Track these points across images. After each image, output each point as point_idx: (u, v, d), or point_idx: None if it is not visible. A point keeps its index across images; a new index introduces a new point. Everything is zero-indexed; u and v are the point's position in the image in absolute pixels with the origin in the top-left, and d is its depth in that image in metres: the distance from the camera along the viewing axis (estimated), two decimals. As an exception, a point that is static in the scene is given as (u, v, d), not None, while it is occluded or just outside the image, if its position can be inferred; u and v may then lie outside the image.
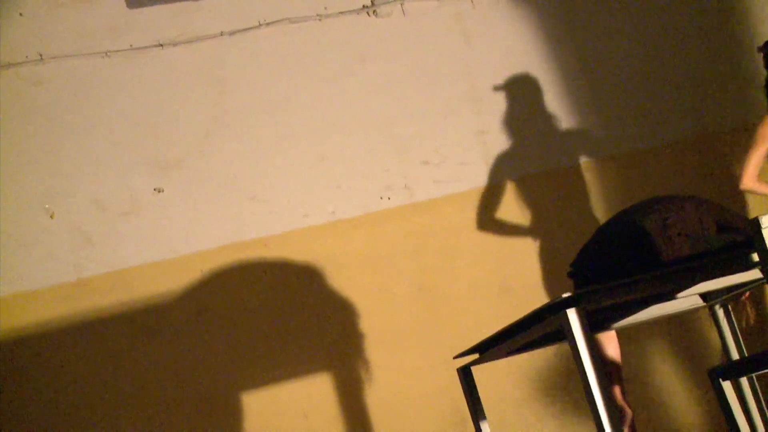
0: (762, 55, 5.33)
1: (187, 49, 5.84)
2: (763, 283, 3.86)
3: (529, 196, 6.18)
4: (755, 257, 3.27)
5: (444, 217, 6.06)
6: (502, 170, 6.18)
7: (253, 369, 5.61)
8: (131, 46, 5.80)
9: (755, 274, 3.56)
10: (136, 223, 5.64)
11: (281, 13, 6.03)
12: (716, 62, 6.55)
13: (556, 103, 6.31)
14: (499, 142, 6.20)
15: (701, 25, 6.58)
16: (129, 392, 5.43)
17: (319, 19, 6.05)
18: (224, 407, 5.56)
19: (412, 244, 5.97)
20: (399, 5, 6.14)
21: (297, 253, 5.83)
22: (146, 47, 5.80)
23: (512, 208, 6.15)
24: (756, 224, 3.15)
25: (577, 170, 6.25)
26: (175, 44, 5.85)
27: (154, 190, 5.71)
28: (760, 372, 3.77)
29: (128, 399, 5.41)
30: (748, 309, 4.79)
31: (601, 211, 6.14)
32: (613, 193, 6.20)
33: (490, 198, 6.11)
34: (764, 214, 3.24)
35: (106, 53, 5.74)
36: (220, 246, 5.73)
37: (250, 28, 5.97)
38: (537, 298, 5.88)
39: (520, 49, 6.30)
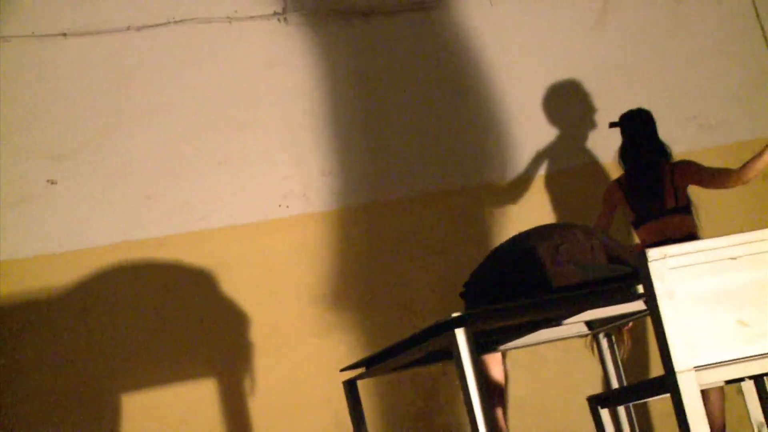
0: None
1: (91, 40, 5.77)
2: (645, 315, 3.96)
3: (423, 215, 6.24)
4: (640, 289, 3.34)
5: (341, 229, 6.07)
6: (395, 187, 6.23)
7: (136, 371, 5.54)
8: (33, 33, 5.70)
9: (639, 305, 3.64)
10: (26, 214, 5.54)
11: (191, 13, 5.99)
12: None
13: (446, 120, 6.39)
14: (397, 157, 6.24)
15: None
16: (6, 387, 5.32)
17: (229, 22, 6.02)
18: (104, 409, 5.48)
19: (308, 253, 5.97)
20: (310, 14, 6.13)
21: (191, 255, 5.79)
22: (49, 35, 5.70)
23: (410, 225, 6.20)
24: (643, 256, 3.23)
25: (473, 191, 6.34)
26: (79, 35, 5.76)
27: (47, 181, 5.61)
28: (637, 402, 3.86)
29: (5, 394, 5.29)
30: (627, 339, 4.91)
31: (496, 236, 6.22)
32: (500, 218, 6.31)
33: (384, 214, 6.16)
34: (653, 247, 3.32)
35: (7, 38, 5.63)
36: (113, 243, 5.65)
37: (158, 25, 5.91)
38: (432, 314, 5.93)
39: (420, 62, 6.35)
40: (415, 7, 6.28)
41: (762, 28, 6.84)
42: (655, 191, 5.62)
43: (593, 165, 6.56)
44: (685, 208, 5.70)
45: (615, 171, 6.48)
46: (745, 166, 5.53)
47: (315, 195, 6.05)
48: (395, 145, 6.25)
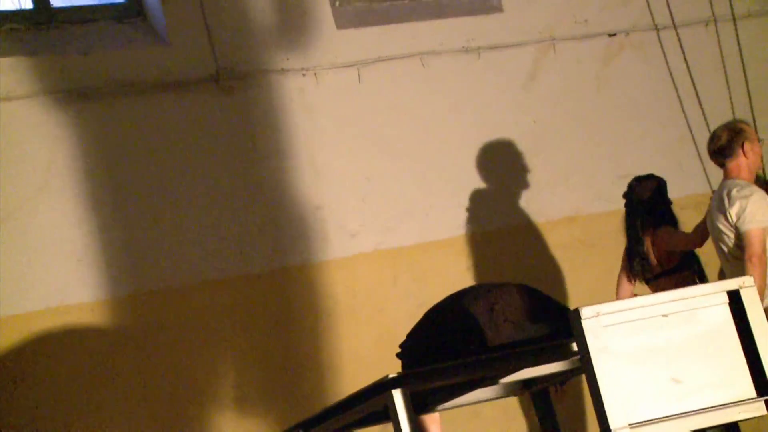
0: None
1: (26, 103, 5.73)
2: (580, 373, 4.00)
3: (363, 275, 6.24)
4: (575, 347, 3.38)
5: (281, 289, 6.07)
6: (339, 247, 6.23)
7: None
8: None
9: (574, 363, 3.68)
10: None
11: (127, 80, 5.98)
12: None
13: (396, 177, 6.42)
14: (337, 217, 6.24)
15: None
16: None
17: (164, 91, 6.01)
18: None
19: (245, 315, 5.94)
20: (244, 78, 6.17)
21: (124, 318, 5.73)
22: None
23: (353, 285, 6.20)
24: (576, 315, 3.28)
25: (410, 251, 6.36)
26: (9, 99, 5.73)
27: (-22, 246, 5.54)
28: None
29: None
30: (563, 397, 4.95)
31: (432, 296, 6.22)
32: (436, 278, 6.29)
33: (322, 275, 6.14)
34: (585, 306, 3.37)
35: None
36: (48, 308, 5.58)
37: (86, 88, 5.88)
38: (367, 376, 5.91)
39: (363, 121, 6.40)
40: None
41: (695, 88, 6.95)
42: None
43: (527, 224, 6.62)
44: (673, 270, 5.77)
45: (548, 230, 6.63)
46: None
47: (255, 255, 6.03)
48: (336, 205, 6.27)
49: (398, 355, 4.48)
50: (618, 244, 6.56)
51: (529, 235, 6.59)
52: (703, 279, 5.76)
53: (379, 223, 6.33)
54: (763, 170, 6.45)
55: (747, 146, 5.27)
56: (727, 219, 5.20)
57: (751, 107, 6.96)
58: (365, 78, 6.44)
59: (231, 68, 6.15)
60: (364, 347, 6.12)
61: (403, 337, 4.50)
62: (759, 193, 5.19)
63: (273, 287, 6.06)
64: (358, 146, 6.37)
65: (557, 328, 3.92)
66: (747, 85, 7.01)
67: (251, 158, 6.16)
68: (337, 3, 6.59)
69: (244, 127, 6.18)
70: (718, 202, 5.30)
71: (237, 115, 6.17)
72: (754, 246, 5.09)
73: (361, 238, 6.29)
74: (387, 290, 6.26)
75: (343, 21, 6.49)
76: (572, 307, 3.37)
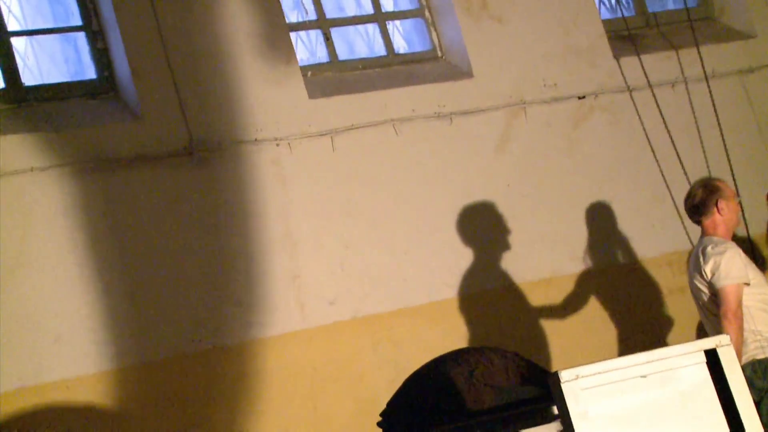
0: None
1: (-2, 181, 5.72)
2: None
3: (342, 343, 6.20)
4: (555, 410, 3.37)
5: (260, 360, 5.99)
6: (317, 316, 6.20)
7: None
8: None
9: (556, 426, 3.67)
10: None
11: (101, 155, 5.99)
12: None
13: (369, 247, 6.41)
14: (314, 286, 6.21)
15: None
16: None
17: (138, 165, 6.02)
18: None
19: (220, 386, 5.89)
20: (217, 150, 6.17)
21: (101, 396, 5.67)
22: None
23: (332, 353, 6.15)
24: (556, 378, 3.28)
25: (388, 318, 6.33)
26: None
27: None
28: None
29: None
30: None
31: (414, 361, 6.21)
32: (417, 343, 6.26)
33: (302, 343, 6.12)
34: (564, 368, 3.37)
35: None
36: (23, 387, 5.52)
37: (60, 165, 5.87)
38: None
39: (338, 189, 6.40)
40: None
41: (653, 151, 7.02)
42: None
43: (504, 287, 6.61)
44: None
45: (526, 292, 6.62)
46: None
47: (228, 327, 5.97)
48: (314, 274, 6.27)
49: (379, 424, 4.46)
50: (595, 304, 6.68)
51: (506, 298, 6.58)
52: None
53: (356, 291, 6.31)
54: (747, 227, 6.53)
55: (722, 204, 5.33)
56: (702, 276, 5.25)
57: (730, 165, 7.03)
58: (339, 146, 6.45)
59: (204, 141, 6.16)
60: (344, 415, 6.07)
61: (383, 405, 4.49)
62: (733, 249, 5.23)
63: (251, 358, 5.99)
64: (334, 215, 6.37)
65: (538, 392, 3.92)
66: (724, 142, 7.07)
67: (227, 230, 6.14)
68: (309, 73, 6.64)
69: (218, 199, 6.17)
70: (695, 260, 5.35)
71: (211, 188, 6.17)
72: (729, 302, 5.13)
73: (340, 306, 6.26)
74: (366, 357, 6.22)
75: (315, 91, 6.53)
76: (552, 369, 3.36)
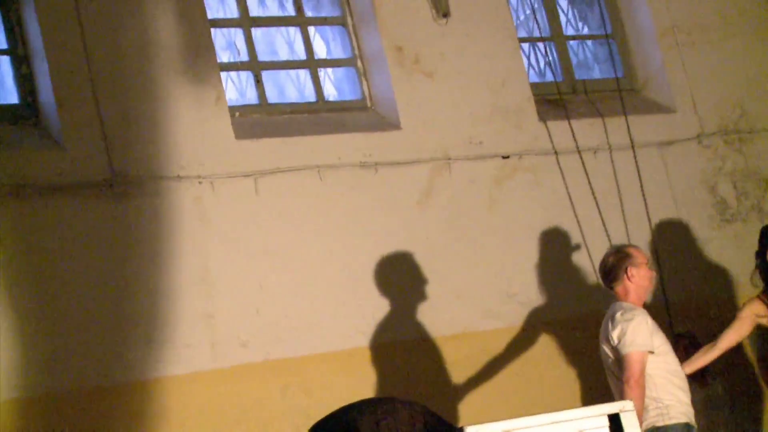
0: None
1: None
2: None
3: (251, 386, 6.13)
4: (460, 465, 3.36)
5: (161, 399, 5.91)
6: (228, 357, 6.13)
7: None
8: None
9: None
10: None
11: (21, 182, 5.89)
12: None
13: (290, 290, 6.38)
14: (228, 326, 6.15)
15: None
16: None
17: (58, 194, 5.91)
18: None
19: (123, 423, 5.79)
20: (139, 184, 6.11)
21: (3, 425, 5.51)
22: None
23: (241, 396, 6.08)
24: (461, 434, 3.26)
25: (300, 363, 6.28)
26: None
27: None
28: None
29: None
30: None
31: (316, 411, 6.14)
32: (322, 391, 6.22)
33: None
34: (471, 425, 3.36)
35: None
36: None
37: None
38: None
39: (259, 231, 6.36)
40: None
41: (574, 210, 7.10)
42: None
43: (418, 340, 6.59)
44: None
45: (439, 346, 6.60)
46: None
47: (139, 364, 5.91)
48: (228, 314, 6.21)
49: (282, 471, 4.38)
50: (506, 362, 6.69)
51: (419, 350, 6.56)
52: None
53: (270, 333, 6.25)
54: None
55: (632, 271, 5.41)
56: (609, 341, 5.31)
57: (651, 232, 7.14)
58: (262, 189, 6.41)
59: (125, 174, 6.08)
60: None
61: (288, 452, 4.42)
62: (641, 317, 5.29)
63: (157, 395, 5.91)
64: (253, 256, 6.32)
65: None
66: (647, 210, 7.19)
67: (143, 265, 6.06)
68: (237, 114, 6.61)
69: (137, 234, 6.08)
70: (604, 325, 5.43)
71: (130, 222, 6.08)
72: (632, 369, 5.18)
73: (252, 348, 6.19)
74: (275, 403, 6.15)
75: (242, 131, 6.49)
76: (459, 425, 3.35)
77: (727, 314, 6.71)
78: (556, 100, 7.39)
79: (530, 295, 6.89)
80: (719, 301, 7.25)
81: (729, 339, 5.88)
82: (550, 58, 7.60)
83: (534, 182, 7.11)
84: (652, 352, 5.26)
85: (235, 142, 6.40)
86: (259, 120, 6.67)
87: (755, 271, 5.97)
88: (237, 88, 6.78)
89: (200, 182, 6.26)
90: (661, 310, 6.80)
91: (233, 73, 6.78)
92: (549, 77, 7.53)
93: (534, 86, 7.34)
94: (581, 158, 7.14)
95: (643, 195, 7.24)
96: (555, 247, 7.05)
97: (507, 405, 6.49)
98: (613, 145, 7.32)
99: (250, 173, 6.38)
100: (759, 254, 5.92)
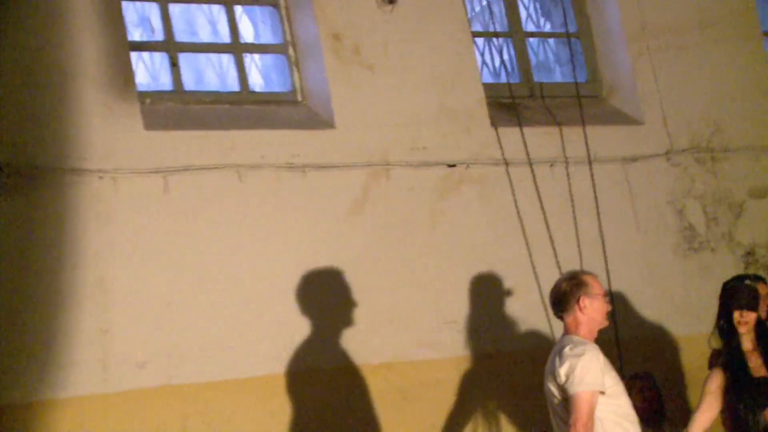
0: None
1: None
2: None
3: (146, 414, 5.94)
4: None
5: (43, 425, 5.72)
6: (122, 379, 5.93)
7: None
8: None
9: None
10: None
11: None
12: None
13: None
14: (124, 343, 5.96)
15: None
16: None
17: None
18: None
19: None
20: (31, 177, 5.92)
21: None
22: None
23: (134, 425, 5.91)
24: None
25: (205, 389, 6.09)
26: None
27: None
28: None
29: None
30: None
31: None
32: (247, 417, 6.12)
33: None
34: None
35: None
36: None
37: None
38: None
39: (166, 236, 6.16)
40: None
41: (523, 229, 6.99)
42: None
43: (342, 368, 6.44)
44: None
45: (365, 375, 6.45)
46: None
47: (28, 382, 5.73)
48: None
49: None
50: (438, 396, 6.54)
51: (342, 379, 6.42)
52: None
53: (172, 355, 6.07)
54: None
55: (585, 301, 5.22)
56: (555, 379, 5.14)
57: (605, 256, 7.05)
58: (173, 187, 6.24)
59: (16, 164, 5.93)
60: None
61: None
62: (592, 353, 5.11)
63: (39, 420, 5.72)
64: (158, 265, 6.15)
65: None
66: (601, 232, 7.12)
67: (30, 268, 5.89)
68: (148, 101, 6.44)
69: (26, 233, 5.92)
70: (550, 361, 5.25)
71: (19, 218, 5.92)
72: (580, 411, 5.03)
73: (150, 370, 6.03)
74: (173, 433, 6.01)
75: (153, 121, 6.32)
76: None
77: (689, 356, 6.66)
78: (510, 104, 7.29)
79: (471, 323, 6.78)
80: (680, 342, 7.21)
81: (702, 422, 5.69)
82: (507, 56, 7.53)
83: (482, 195, 6.98)
84: (602, 393, 5.09)
85: (143, 133, 6.23)
86: (173, 109, 6.52)
87: (714, 332, 5.82)
88: (149, 72, 6.67)
89: (101, 177, 6.09)
90: (610, 348, 6.61)
91: (145, 54, 6.66)
92: (504, 78, 7.43)
93: (487, 87, 7.25)
94: (532, 171, 7.07)
95: (598, 216, 7.15)
96: (501, 271, 6.93)
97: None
98: (571, 158, 7.24)
99: (160, 169, 6.23)
100: (721, 315, 5.75)
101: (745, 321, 5.56)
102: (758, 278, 5.72)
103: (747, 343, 5.59)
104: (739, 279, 5.74)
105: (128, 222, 6.11)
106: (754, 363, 5.56)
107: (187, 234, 6.24)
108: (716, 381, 5.68)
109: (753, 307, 5.56)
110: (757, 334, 5.58)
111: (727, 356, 5.61)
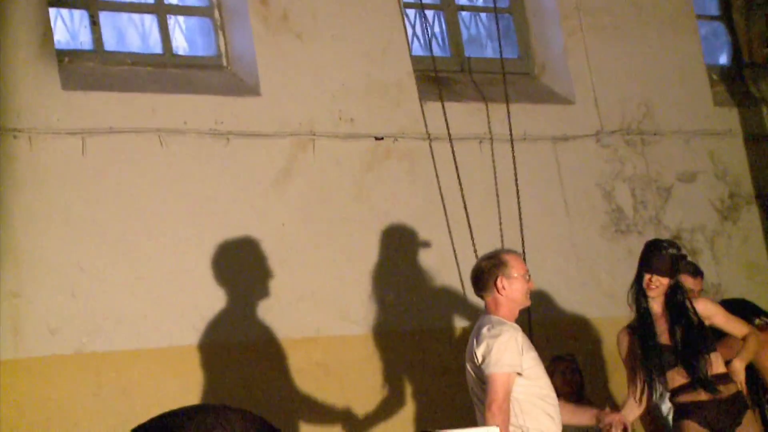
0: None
1: None
2: None
3: (59, 381, 5.99)
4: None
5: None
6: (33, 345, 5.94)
7: None
8: None
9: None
10: None
11: None
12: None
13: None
14: (36, 309, 5.98)
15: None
16: None
17: None
18: None
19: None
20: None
21: None
22: None
23: (45, 392, 5.94)
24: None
25: (119, 358, 6.14)
26: None
27: None
28: None
29: None
30: None
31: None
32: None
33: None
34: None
35: None
36: None
37: None
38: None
39: (83, 200, 6.18)
40: None
41: (444, 207, 7.07)
42: None
43: (263, 341, 6.49)
44: None
45: (286, 349, 6.51)
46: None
47: None
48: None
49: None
50: (360, 372, 6.64)
51: (262, 353, 6.47)
52: None
53: (86, 322, 6.09)
54: None
55: (503, 282, 5.22)
56: (473, 360, 5.19)
57: (522, 238, 7.15)
58: (90, 150, 6.25)
59: None
60: (50, 468, 5.79)
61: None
62: (510, 333, 5.15)
63: None
64: (73, 229, 6.15)
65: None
66: (519, 210, 7.21)
67: None
68: (66, 60, 6.41)
69: None
70: (470, 342, 5.28)
71: None
72: (495, 392, 5.06)
73: (63, 337, 6.03)
74: (86, 402, 6.01)
75: (71, 81, 6.31)
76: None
77: (613, 338, 6.63)
78: (441, 78, 7.35)
79: (394, 299, 6.85)
80: (605, 324, 7.25)
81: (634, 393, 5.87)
82: (438, 29, 7.57)
83: (409, 170, 7.06)
84: (519, 374, 5.12)
85: (61, 93, 6.22)
86: (93, 69, 6.51)
87: (630, 290, 5.90)
88: (68, 29, 6.61)
89: (15, 137, 6.08)
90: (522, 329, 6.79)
91: (64, 11, 6.58)
92: (436, 51, 7.48)
93: (417, 60, 7.29)
94: (452, 147, 7.12)
95: (518, 194, 7.23)
96: (425, 247, 7.00)
97: (358, 420, 6.47)
98: (499, 136, 7.31)
99: (78, 131, 6.23)
100: (636, 276, 5.82)
101: (654, 285, 5.63)
102: (677, 248, 5.76)
103: (656, 306, 5.68)
104: (657, 243, 5.80)
105: (43, 183, 6.09)
106: (661, 328, 5.66)
107: (105, 198, 6.23)
108: (624, 343, 5.82)
109: (663, 272, 5.63)
110: (666, 301, 5.69)
111: (636, 318, 5.72)
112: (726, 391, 5.59)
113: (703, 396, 5.58)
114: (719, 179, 8.05)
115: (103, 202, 6.25)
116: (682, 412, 5.63)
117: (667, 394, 5.73)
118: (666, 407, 6.03)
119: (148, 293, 6.25)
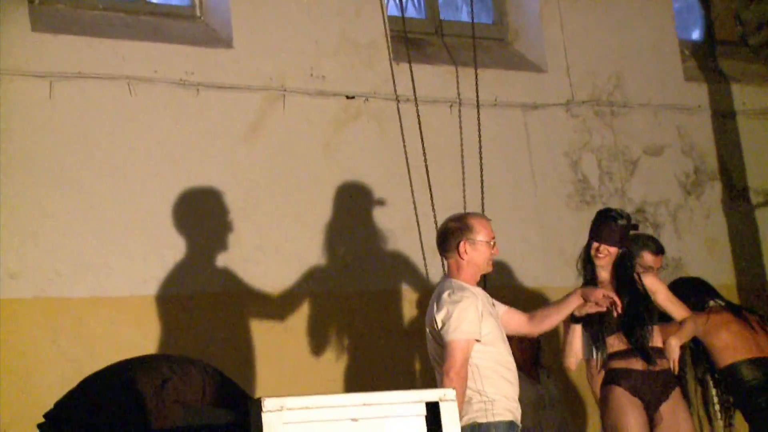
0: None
1: None
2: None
3: (16, 325, 5.98)
4: (253, 440, 3.30)
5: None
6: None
7: None
8: None
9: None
10: None
11: None
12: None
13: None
14: None
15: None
16: None
17: None
18: None
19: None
20: None
21: None
22: None
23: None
24: (257, 405, 3.20)
25: (79, 304, 6.15)
26: None
27: None
28: None
29: None
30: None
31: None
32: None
33: None
34: (271, 396, 3.30)
35: None
36: None
37: None
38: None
39: (49, 144, 6.17)
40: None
41: (408, 170, 7.06)
42: None
43: (223, 293, 6.52)
44: None
45: (245, 302, 6.53)
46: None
47: None
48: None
49: (40, 426, 4.29)
50: (319, 329, 6.68)
51: (222, 306, 6.48)
52: None
53: (46, 267, 6.10)
54: None
55: (466, 245, 5.26)
56: (433, 324, 5.23)
57: (482, 200, 7.16)
58: (58, 94, 6.25)
59: None
60: (3, 413, 5.83)
61: (51, 405, 4.32)
62: (471, 299, 5.20)
63: None
64: (38, 174, 6.15)
65: (232, 417, 3.85)
66: (481, 175, 7.21)
67: None
68: (36, 1, 6.38)
69: None
70: (430, 306, 5.33)
71: None
72: (454, 358, 5.11)
73: (22, 281, 6.04)
74: (43, 347, 6.02)
75: (41, 23, 6.28)
76: (255, 395, 3.30)
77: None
78: (414, 40, 7.37)
79: (356, 259, 6.89)
80: (562, 293, 7.14)
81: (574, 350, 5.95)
82: None
83: (379, 130, 7.09)
84: (478, 341, 5.18)
85: (30, 35, 6.20)
86: (63, 12, 6.48)
87: (580, 257, 5.97)
88: None
89: None
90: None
91: None
92: (411, 13, 7.51)
93: (392, 20, 7.28)
94: (416, 109, 7.10)
95: (480, 160, 7.22)
96: (389, 209, 7.04)
97: (316, 378, 6.52)
98: (467, 100, 7.33)
99: (45, 74, 6.23)
100: (587, 244, 5.89)
101: (602, 255, 5.74)
102: (628, 218, 5.83)
103: (604, 274, 5.79)
104: (607, 212, 5.85)
105: (8, 126, 6.08)
106: None
107: (71, 144, 6.23)
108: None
109: (611, 242, 5.73)
110: (615, 270, 5.78)
111: (583, 285, 5.80)
112: (660, 365, 5.71)
113: (636, 365, 5.71)
114: (685, 154, 8.11)
115: (69, 147, 6.25)
116: (613, 376, 5.74)
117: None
118: None
119: (111, 241, 6.26)
